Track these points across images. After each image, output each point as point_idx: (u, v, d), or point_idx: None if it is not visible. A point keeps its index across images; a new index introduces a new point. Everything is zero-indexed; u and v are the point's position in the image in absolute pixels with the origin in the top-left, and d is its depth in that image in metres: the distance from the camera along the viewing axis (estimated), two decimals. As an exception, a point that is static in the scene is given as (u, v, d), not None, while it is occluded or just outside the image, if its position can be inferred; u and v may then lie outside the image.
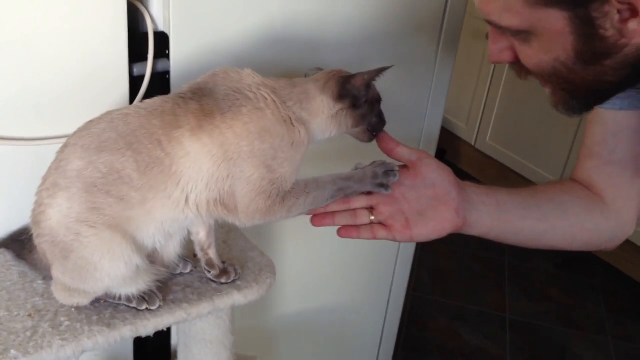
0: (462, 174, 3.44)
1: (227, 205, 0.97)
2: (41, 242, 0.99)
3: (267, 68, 1.34)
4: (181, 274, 1.12)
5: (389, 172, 1.03)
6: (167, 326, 1.03)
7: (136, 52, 1.19)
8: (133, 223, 0.95)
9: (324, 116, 1.01)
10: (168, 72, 1.24)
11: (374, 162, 1.05)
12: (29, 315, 0.99)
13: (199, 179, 0.94)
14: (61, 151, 0.95)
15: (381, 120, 1.06)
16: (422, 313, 2.61)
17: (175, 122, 0.93)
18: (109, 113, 0.96)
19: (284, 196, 0.97)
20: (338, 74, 1.02)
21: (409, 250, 1.92)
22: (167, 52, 1.23)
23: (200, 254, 1.10)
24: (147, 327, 1.01)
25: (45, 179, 0.96)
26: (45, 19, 1.07)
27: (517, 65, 0.95)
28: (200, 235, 1.08)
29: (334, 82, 1.01)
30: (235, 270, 1.11)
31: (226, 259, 1.14)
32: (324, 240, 1.70)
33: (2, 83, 1.08)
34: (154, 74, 1.21)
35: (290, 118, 0.97)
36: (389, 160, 1.06)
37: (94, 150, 0.93)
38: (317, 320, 1.84)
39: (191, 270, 1.12)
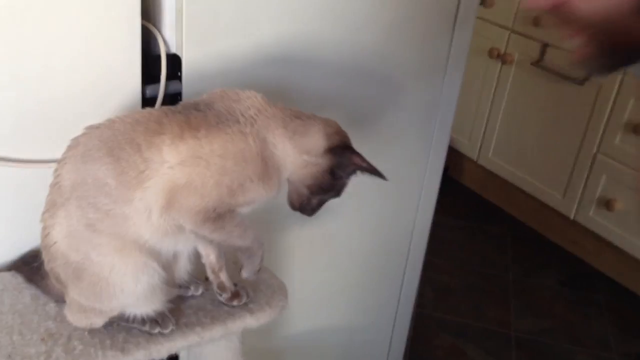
0: (464, 191, 3.45)
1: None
2: (53, 267, 0.99)
3: (279, 90, 1.35)
4: (193, 296, 1.12)
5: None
6: (180, 350, 1.03)
7: (149, 73, 1.20)
8: (130, 238, 0.94)
9: (305, 157, 0.99)
10: (180, 94, 1.24)
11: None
12: (42, 340, 0.99)
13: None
14: (56, 167, 0.96)
15: (316, 207, 1.05)
16: (426, 330, 2.60)
17: (159, 129, 0.92)
18: (97, 124, 0.95)
19: (218, 217, 0.96)
20: (341, 132, 1.02)
21: (415, 268, 1.92)
22: (179, 74, 1.23)
23: (211, 277, 1.10)
24: (161, 351, 1.00)
25: (46, 200, 0.96)
26: (59, 41, 1.07)
27: (556, 11, 0.86)
28: (211, 257, 1.08)
29: (339, 138, 1.00)
30: (247, 292, 1.11)
31: (238, 281, 1.13)
32: (329, 260, 1.70)
33: (14, 105, 1.08)
34: (165, 96, 1.22)
35: (268, 158, 0.96)
36: None
37: (80, 160, 0.93)
38: (323, 340, 1.83)
39: (202, 293, 1.12)
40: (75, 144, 0.95)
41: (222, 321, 1.06)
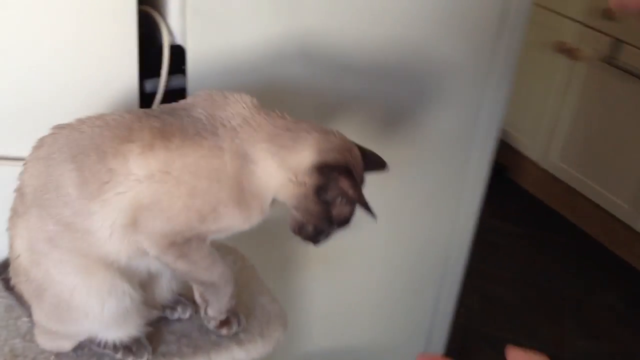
0: (524, 194, 3.21)
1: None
2: (16, 282, 0.89)
3: (292, 86, 1.21)
4: (179, 319, 1.00)
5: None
6: (154, 383, 0.91)
7: (152, 66, 1.08)
8: (94, 256, 0.83)
9: (290, 175, 0.83)
10: (184, 90, 1.12)
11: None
12: (3, 361, 0.89)
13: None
14: (21, 170, 0.85)
15: (314, 235, 0.89)
16: (468, 345, 2.42)
17: (128, 136, 0.80)
18: (66, 123, 0.84)
19: (182, 245, 0.83)
20: (342, 150, 0.84)
21: (454, 280, 1.75)
22: (183, 67, 1.11)
23: (198, 300, 0.97)
24: (130, 384, 0.89)
25: (11, 207, 0.86)
26: (45, 28, 0.97)
27: None
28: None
29: (334, 156, 0.83)
30: (238, 320, 0.98)
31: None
32: (352, 270, 1.56)
33: (5, 101, 0.98)
34: (168, 91, 1.10)
35: (247, 180, 0.82)
36: None
37: (43, 164, 0.82)
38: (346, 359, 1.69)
39: (191, 316, 1.00)
40: (39, 144, 0.84)
41: (206, 352, 0.94)
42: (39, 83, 0.99)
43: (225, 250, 1.14)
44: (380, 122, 1.37)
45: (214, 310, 0.93)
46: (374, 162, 0.91)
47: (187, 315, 0.99)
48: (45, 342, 0.91)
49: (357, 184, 0.83)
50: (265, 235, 1.35)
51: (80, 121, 0.83)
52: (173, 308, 0.99)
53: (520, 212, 3.13)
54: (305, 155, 0.82)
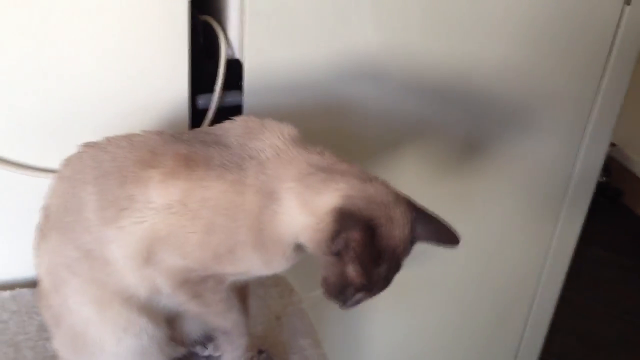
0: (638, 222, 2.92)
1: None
2: (39, 306, 0.84)
3: (357, 108, 1.10)
4: (209, 356, 0.92)
5: None
6: None
7: (208, 81, 1.01)
8: (111, 288, 0.77)
9: (313, 219, 0.71)
10: (240, 107, 1.04)
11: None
12: (22, 388, 0.85)
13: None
14: (49, 188, 0.80)
15: (336, 294, 0.75)
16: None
17: (150, 161, 0.73)
18: (94, 141, 0.79)
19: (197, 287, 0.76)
20: (376, 201, 0.71)
21: (543, 313, 1.58)
22: (240, 82, 1.03)
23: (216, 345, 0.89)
24: None
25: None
26: (87, 35, 0.91)
27: None
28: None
29: (361, 205, 0.70)
30: (272, 366, 0.89)
31: (268, 346, 0.92)
32: (426, 305, 1.43)
33: (35, 109, 0.95)
34: (223, 108, 1.03)
35: (267, 222, 0.72)
36: None
37: (67, 184, 0.77)
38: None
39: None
40: (66, 163, 0.79)
41: (231, 399, 0.86)
42: (82, 94, 0.94)
43: (272, 280, 1.05)
44: (459, 151, 1.24)
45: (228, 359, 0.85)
46: (436, 233, 0.75)
47: (218, 353, 0.92)
48: (66, 370, 0.86)
49: (369, 244, 0.69)
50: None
51: (108, 140, 0.78)
52: (204, 344, 0.92)
53: (631, 241, 2.84)
54: (329, 199, 0.71)
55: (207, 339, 0.92)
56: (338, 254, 0.71)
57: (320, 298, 0.76)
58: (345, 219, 0.69)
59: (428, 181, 1.26)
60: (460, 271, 1.42)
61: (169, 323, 0.84)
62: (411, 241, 0.73)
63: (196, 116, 1.02)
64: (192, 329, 0.89)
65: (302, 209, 0.71)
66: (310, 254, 0.74)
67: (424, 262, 1.32)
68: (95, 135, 0.83)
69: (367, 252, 0.69)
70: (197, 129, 0.81)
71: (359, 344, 1.41)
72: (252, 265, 0.75)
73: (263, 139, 0.75)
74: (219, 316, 0.79)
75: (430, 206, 1.14)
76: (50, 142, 0.96)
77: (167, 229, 0.72)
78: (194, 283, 0.75)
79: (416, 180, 1.25)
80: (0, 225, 1.01)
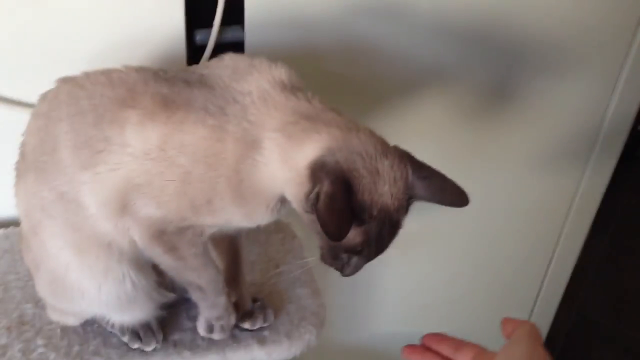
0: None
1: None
2: (21, 248, 0.81)
3: (371, 48, 1.03)
4: (202, 303, 0.89)
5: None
6: (159, 376, 0.81)
7: (207, 16, 0.95)
8: (87, 233, 0.72)
9: (293, 173, 0.66)
10: (242, 44, 0.98)
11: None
12: (8, 329, 0.83)
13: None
14: (27, 124, 0.76)
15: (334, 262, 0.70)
16: (586, 340, 2.17)
17: (129, 100, 0.68)
18: (72, 76, 0.73)
19: (173, 239, 0.71)
20: (369, 152, 0.65)
21: (564, 265, 1.52)
22: (241, 17, 0.96)
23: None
24: (132, 374, 0.80)
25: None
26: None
27: None
28: (224, 263, 0.84)
29: (339, 157, 0.64)
30: (265, 315, 0.85)
31: (263, 295, 0.88)
32: (441, 253, 1.38)
33: (38, 45, 0.90)
34: (222, 45, 0.96)
35: (247, 172, 0.66)
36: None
37: (42, 121, 0.72)
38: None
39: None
40: (42, 98, 0.74)
41: (221, 349, 0.82)
42: (73, 27, 0.89)
43: (275, 227, 1.01)
44: (482, 98, 1.17)
45: (203, 317, 0.81)
46: (439, 191, 0.67)
47: (211, 300, 0.88)
48: (52, 314, 0.84)
49: (341, 196, 0.63)
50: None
51: (86, 75, 0.73)
52: (194, 290, 0.88)
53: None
54: (309, 151, 0.65)
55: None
56: (310, 210, 0.65)
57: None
58: (318, 172, 0.63)
59: (449, 130, 1.19)
60: (478, 222, 1.36)
61: (156, 269, 0.80)
62: (408, 198, 0.67)
63: (194, 53, 0.96)
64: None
65: (284, 162, 0.66)
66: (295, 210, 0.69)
67: (437, 212, 1.27)
68: (85, 69, 0.78)
69: (337, 205, 0.62)
70: (182, 68, 0.75)
71: (368, 296, 1.37)
72: (232, 216, 0.70)
73: (251, 81, 0.69)
74: (194, 272, 0.75)
75: (449, 156, 1.08)
76: (43, 75, 0.92)
77: (143, 177, 0.67)
78: (171, 234, 0.70)
79: (436, 129, 1.19)
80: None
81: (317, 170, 0.63)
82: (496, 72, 1.15)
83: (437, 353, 0.73)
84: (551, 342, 1.79)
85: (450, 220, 1.30)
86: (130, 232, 0.71)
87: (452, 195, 0.67)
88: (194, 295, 0.78)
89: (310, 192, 0.64)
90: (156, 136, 0.66)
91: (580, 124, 1.30)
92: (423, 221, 1.29)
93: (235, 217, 0.70)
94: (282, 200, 0.69)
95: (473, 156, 1.25)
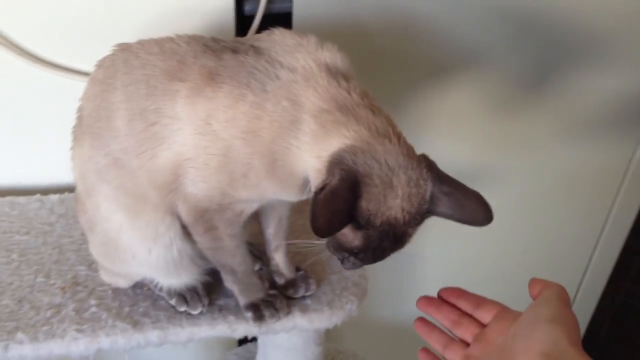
0: None
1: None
2: (76, 210, 0.84)
3: (422, 25, 1.02)
4: (248, 271, 0.91)
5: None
6: (205, 338, 0.84)
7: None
8: (141, 197, 0.75)
9: (317, 162, 0.66)
10: (289, 15, 0.99)
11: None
12: (62, 288, 0.87)
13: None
14: (84, 90, 0.78)
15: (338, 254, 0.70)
16: (631, 325, 2.13)
17: (179, 73, 0.69)
18: (128, 43, 0.75)
19: (211, 218, 0.73)
20: (392, 161, 0.64)
21: (613, 242, 1.49)
22: (290, -12, 0.97)
23: (268, 254, 0.87)
24: (179, 335, 0.82)
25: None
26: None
27: None
28: (269, 230, 0.85)
29: (356, 158, 0.64)
30: (307, 284, 0.87)
31: (306, 265, 0.90)
32: (485, 231, 1.36)
33: (94, 18, 0.93)
34: (270, 15, 0.97)
35: (280, 152, 0.67)
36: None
37: (99, 87, 0.74)
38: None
39: (260, 269, 0.90)
40: (99, 65, 0.77)
41: (264, 315, 0.84)
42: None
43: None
44: (524, 82, 1.15)
45: (242, 304, 0.83)
46: (461, 210, 0.66)
47: (255, 267, 0.90)
48: (104, 275, 0.87)
49: (344, 197, 0.62)
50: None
51: (141, 44, 0.74)
52: (240, 258, 0.90)
53: None
54: (335, 144, 0.65)
55: (245, 253, 0.90)
56: None
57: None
58: (334, 166, 0.64)
59: (486, 116, 1.17)
60: (522, 201, 1.34)
61: None
62: (424, 213, 0.66)
63: (243, 23, 0.97)
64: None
65: (312, 148, 0.66)
66: None
67: (483, 190, 1.26)
68: (136, 38, 0.80)
69: (336, 202, 0.62)
70: (233, 39, 0.75)
71: (410, 271, 1.38)
72: (265, 191, 0.71)
73: (296, 59, 0.69)
74: (228, 253, 0.77)
75: (486, 142, 1.06)
76: (94, 44, 0.94)
77: (192, 151, 0.69)
78: (213, 212, 0.72)
79: (474, 112, 1.17)
80: (50, 129, 1.01)
81: (334, 164, 0.64)
82: (539, 57, 1.13)
83: (455, 308, 0.72)
84: (595, 325, 1.76)
85: (497, 198, 1.29)
86: (177, 208, 0.74)
87: (473, 213, 0.66)
88: (227, 281, 0.81)
89: (321, 187, 0.63)
90: (203, 110, 0.68)
91: (624, 109, 1.26)
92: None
93: (268, 192, 0.71)
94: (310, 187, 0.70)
95: (517, 133, 1.23)
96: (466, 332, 0.69)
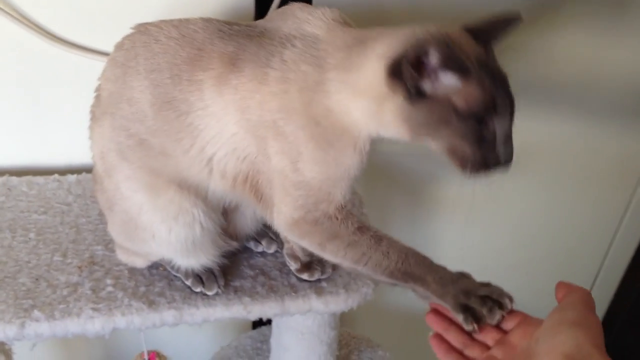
0: None
1: (256, 191, 0.73)
2: (94, 189, 0.84)
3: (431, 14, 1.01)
4: (263, 253, 0.91)
5: (492, 304, 0.66)
6: (220, 319, 0.84)
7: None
8: (167, 176, 0.76)
9: (369, 100, 0.65)
10: (309, -5, 0.98)
11: (487, 284, 0.69)
12: (79, 267, 0.87)
13: (220, 142, 0.71)
14: (103, 69, 0.78)
15: (490, 152, 0.64)
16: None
17: (200, 62, 0.70)
18: (147, 24, 0.75)
19: (316, 218, 0.70)
20: (427, 32, 0.63)
21: (632, 231, 1.47)
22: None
23: (283, 237, 0.87)
24: (194, 316, 0.83)
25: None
26: None
27: None
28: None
29: (403, 46, 0.62)
30: (322, 268, 0.86)
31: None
32: (502, 218, 1.36)
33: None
34: (289, -5, 0.96)
35: (322, 116, 0.67)
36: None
37: (120, 69, 0.74)
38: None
39: (275, 252, 0.90)
40: (119, 46, 0.77)
41: (280, 297, 0.84)
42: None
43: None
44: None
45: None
46: (496, 26, 0.66)
47: (271, 250, 0.90)
48: (121, 255, 0.87)
49: (446, 50, 0.60)
50: (394, 176, 1.21)
51: (159, 27, 0.74)
52: (258, 240, 0.90)
53: None
54: (373, 69, 0.64)
55: (261, 235, 0.90)
56: (431, 101, 0.62)
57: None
58: (404, 65, 0.62)
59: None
60: (541, 187, 1.33)
61: (224, 216, 0.82)
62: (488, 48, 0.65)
63: (262, 3, 0.96)
64: (246, 224, 0.87)
65: (354, 96, 0.66)
66: (397, 140, 0.67)
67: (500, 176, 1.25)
68: (156, 18, 0.79)
69: (452, 55, 0.61)
70: (246, 23, 0.75)
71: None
72: (325, 164, 0.69)
73: (305, 27, 0.69)
74: (375, 254, 0.71)
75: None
76: (114, 25, 0.93)
77: (240, 143, 0.71)
78: (313, 219, 0.72)
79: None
80: (68, 110, 1.01)
81: (400, 65, 0.62)
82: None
83: None
84: (612, 316, 1.75)
85: (514, 184, 1.28)
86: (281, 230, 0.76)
87: (504, 21, 0.66)
88: (420, 294, 0.72)
89: (405, 93, 0.63)
90: (234, 99, 0.69)
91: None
92: (485, 185, 1.28)
93: (328, 165, 0.69)
94: (368, 141, 0.69)
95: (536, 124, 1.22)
96: (487, 336, 0.67)
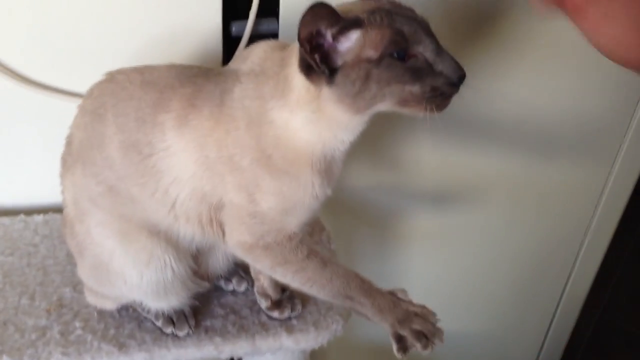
0: None
1: (220, 225, 0.75)
2: (64, 233, 0.84)
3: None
4: (233, 291, 0.91)
5: (425, 341, 0.72)
6: (192, 360, 0.84)
7: (243, 8, 0.97)
8: (137, 222, 0.76)
9: (306, 108, 0.68)
10: (276, 35, 1.00)
11: (422, 307, 0.76)
12: (47, 311, 0.87)
13: (182, 184, 0.72)
14: (74, 118, 0.79)
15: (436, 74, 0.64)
16: (608, 344, 2.15)
17: (165, 103, 0.71)
18: (116, 71, 0.77)
19: (268, 244, 0.73)
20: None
21: (589, 264, 1.51)
22: (276, 9, 0.98)
23: (253, 275, 0.88)
24: (165, 357, 0.83)
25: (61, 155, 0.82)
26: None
27: None
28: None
29: (311, 26, 0.63)
30: (293, 305, 0.87)
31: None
32: (463, 250, 1.39)
33: (83, 40, 0.92)
34: (257, 37, 0.98)
35: (274, 152, 0.69)
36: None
37: (89, 116, 0.76)
38: (454, 347, 1.54)
39: (246, 290, 0.91)
40: (88, 94, 0.78)
41: (251, 335, 0.85)
42: (113, 19, 0.91)
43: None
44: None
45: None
46: None
47: (242, 288, 0.91)
48: (90, 297, 0.87)
49: (331, 18, 0.62)
50: (361, 208, 1.22)
51: (125, 75, 0.76)
52: (228, 279, 0.91)
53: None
54: (296, 79, 0.67)
55: (231, 274, 0.91)
56: (337, 69, 0.64)
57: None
58: (301, 56, 0.64)
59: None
60: (501, 218, 1.36)
61: (194, 258, 0.83)
62: None
63: (230, 44, 0.98)
64: (218, 264, 0.88)
65: (295, 112, 0.68)
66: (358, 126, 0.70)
67: (460, 208, 1.28)
68: (126, 61, 0.81)
69: (335, 18, 0.62)
70: (202, 67, 0.77)
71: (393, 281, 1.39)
72: (280, 195, 0.71)
73: (252, 61, 0.72)
74: (314, 283, 0.75)
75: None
76: (82, 67, 0.94)
77: (198, 183, 0.72)
78: (264, 245, 0.74)
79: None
80: (35, 150, 1.01)
81: (304, 62, 0.64)
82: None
83: None
84: (573, 344, 1.78)
85: (476, 216, 1.31)
86: (236, 254, 0.79)
87: None
88: (359, 313, 0.76)
89: (324, 79, 0.65)
90: (193, 138, 0.70)
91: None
92: (446, 217, 1.31)
93: (282, 197, 0.71)
94: (323, 159, 0.71)
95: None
96: None
